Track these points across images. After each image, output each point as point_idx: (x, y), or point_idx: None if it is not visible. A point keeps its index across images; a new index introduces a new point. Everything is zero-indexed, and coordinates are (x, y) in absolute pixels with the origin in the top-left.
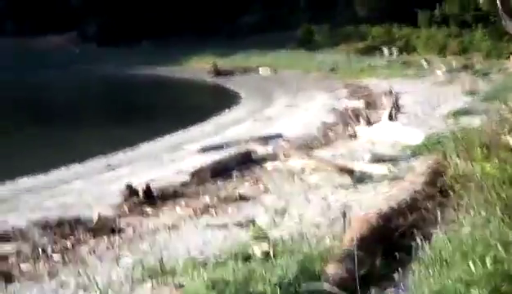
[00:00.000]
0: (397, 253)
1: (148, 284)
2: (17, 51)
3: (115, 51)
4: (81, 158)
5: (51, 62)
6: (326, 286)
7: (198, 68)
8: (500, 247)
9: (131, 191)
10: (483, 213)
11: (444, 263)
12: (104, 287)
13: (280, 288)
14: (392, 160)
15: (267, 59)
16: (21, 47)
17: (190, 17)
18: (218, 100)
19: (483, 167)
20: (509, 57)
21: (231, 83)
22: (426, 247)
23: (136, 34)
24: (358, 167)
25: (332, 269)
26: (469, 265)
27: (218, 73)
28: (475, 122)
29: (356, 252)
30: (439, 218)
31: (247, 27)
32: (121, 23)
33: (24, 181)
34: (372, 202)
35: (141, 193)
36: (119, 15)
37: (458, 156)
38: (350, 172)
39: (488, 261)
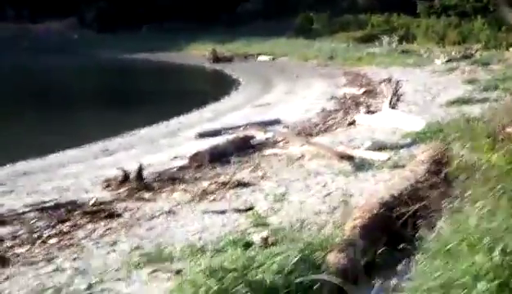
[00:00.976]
0: (399, 243)
1: (145, 270)
2: (17, 36)
3: (114, 36)
4: (78, 142)
5: (51, 48)
6: (327, 276)
7: (197, 54)
8: (508, 239)
9: (125, 175)
10: (489, 204)
11: (450, 254)
12: (100, 272)
13: (280, 277)
14: (393, 148)
15: (266, 46)
16: (21, 33)
17: (191, 4)
18: (217, 85)
19: (489, 156)
20: (508, 48)
21: (229, 69)
22: (430, 237)
23: (136, 20)
24: (358, 153)
25: (333, 258)
26: (476, 258)
27: (217, 59)
28: (475, 110)
29: (357, 241)
30: (443, 208)
31: (247, 14)
32: (120, 9)
33: (21, 165)
34: (373, 190)
35: (132, 176)
36: (119, 1)
37: (462, 145)
38: (350, 159)
39: (496, 253)
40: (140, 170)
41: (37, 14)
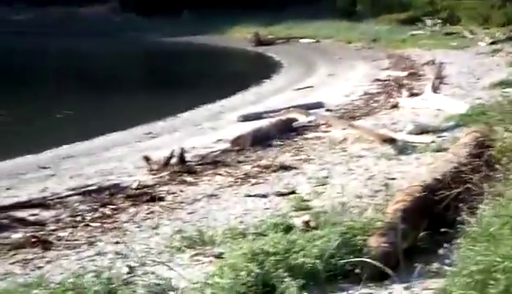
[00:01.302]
0: (441, 227)
1: (186, 254)
2: (64, 19)
3: (156, 20)
4: (122, 125)
5: (95, 31)
6: (368, 260)
7: (240, 37)
8: None
9: (168, 159)
10: None
11: (492, 239)
12: (142, 256)
13: (321, 261)
14: (436, 131)
15: (309, 29)
16: (68, 16)
17: None
18: (260, 69)
19: None
20: None
21: (272, 52)
22: (472, 221)
23: (177, 4)
24: (401, 137)
25: (375, 242)
26: None
27: (260, 42)
28: None
29: (399, 225)
30: (486, 192)
31: None
32: None
33: (65, 148)
34: (415, 173)
35: (175, 160)
36: None
37: (505, 128)
38: (392, 142)
39: None
40: (182, 153)
41: None
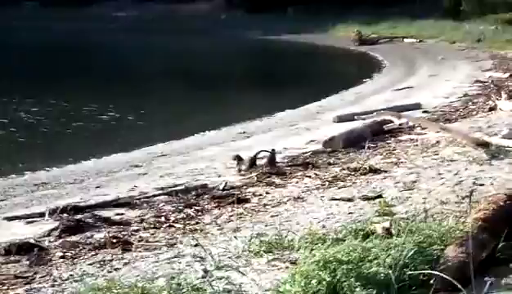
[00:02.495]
0: None
1: (264, 258)
2: (162, 17)
3: (260, 17)
4: (219, 124)
5: (195, 29)
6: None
7: (342, 36)
8: None
9: (254, 160)
10: None
11: None
12: (219, 259)
13: (394, 270)
14: None
15: (413, 28)
16: (172, 13)
17: None
18: (361, 68)
19: None
20: None
21: (374, 52)
22: None
23: (282, 1)
24: (495, 141)
25: (451, 252)
26: None
27: (363, 41)
28: None
29: (478, 235)
30: None
31: None
32: None
33: (161, 146)
34: (506, 179)
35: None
36: None
37: None
38: (486, 146)
39: None
40: (272, 155)
41: None
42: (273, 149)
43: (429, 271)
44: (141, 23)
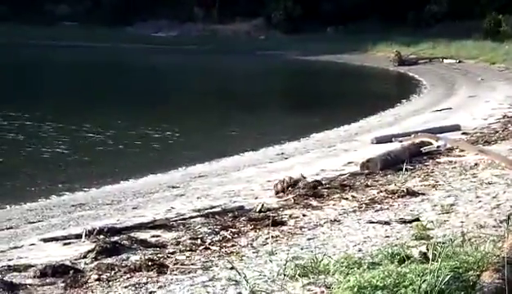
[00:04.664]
0: None
1: (299, 282)
2: (204, 37)
3: (299, 38)
4: (257, 144)
5: (236, 49)
6: None
7: (381, 56)
8: None
9: (293, 182)
10: None
11: None
12: (254, 283)
13: None
14: None
15: (452, 49)
16: (208, 34)
17: (376, 5)
18: (400, 89)
19: None
20: None
21: (413, 72)
22: None
23: (322, 21)
24: None
25: (488, 278)
26: None
27: (402, 61)
28: None
29: None
30: None
31: (432, 16)
32: (306, 10)
33: (199, 167)
34: None
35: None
36: (305, 2)
37: None
38: None
39: None
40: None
41: (224, 14)
42: (301, 175)
43: None
44: (180, 44)
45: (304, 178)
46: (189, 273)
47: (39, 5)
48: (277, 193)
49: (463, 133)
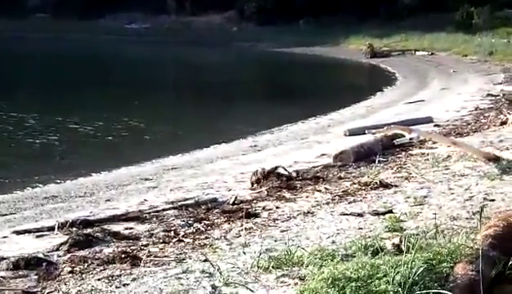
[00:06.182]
0: None
1: (273, 274)
2: (177, 29)
3: (272, 30)
4: (229, 136)
5: (208, 41)
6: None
7: (353, 49)
8: None
9: (265, 174)
10: None
11: None
12: (228, 275)
13: (403, 288)
14: None
15: (424, 41)
16: (181, 26)
17: None
18: (373, 81)
19: None
20: None
21: (386, 65)
22: None
23: (294, 14)
24: (505, 155)
25: (461, 270)
26: None
27: (374, 54)
28: None
29: (489, 252)
30: None
31: (404, 8)
32: (279, 2)
33: (172, 159)
34: None
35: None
36: None
37: None
38: (497, 161)
39: None
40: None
41: (197, 7)
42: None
43: (439, 291)
44: (153, 35)
45: (285, 170)
46: (162, 265)
47: None
48: (252, 184)
49: (435, 125)
